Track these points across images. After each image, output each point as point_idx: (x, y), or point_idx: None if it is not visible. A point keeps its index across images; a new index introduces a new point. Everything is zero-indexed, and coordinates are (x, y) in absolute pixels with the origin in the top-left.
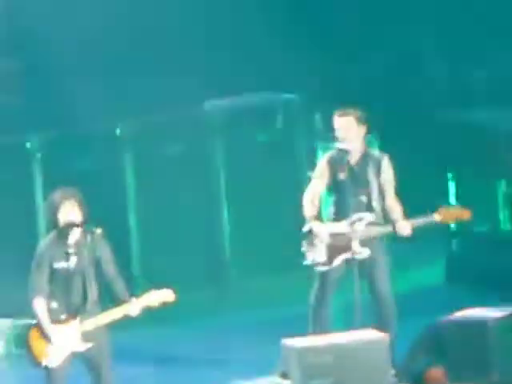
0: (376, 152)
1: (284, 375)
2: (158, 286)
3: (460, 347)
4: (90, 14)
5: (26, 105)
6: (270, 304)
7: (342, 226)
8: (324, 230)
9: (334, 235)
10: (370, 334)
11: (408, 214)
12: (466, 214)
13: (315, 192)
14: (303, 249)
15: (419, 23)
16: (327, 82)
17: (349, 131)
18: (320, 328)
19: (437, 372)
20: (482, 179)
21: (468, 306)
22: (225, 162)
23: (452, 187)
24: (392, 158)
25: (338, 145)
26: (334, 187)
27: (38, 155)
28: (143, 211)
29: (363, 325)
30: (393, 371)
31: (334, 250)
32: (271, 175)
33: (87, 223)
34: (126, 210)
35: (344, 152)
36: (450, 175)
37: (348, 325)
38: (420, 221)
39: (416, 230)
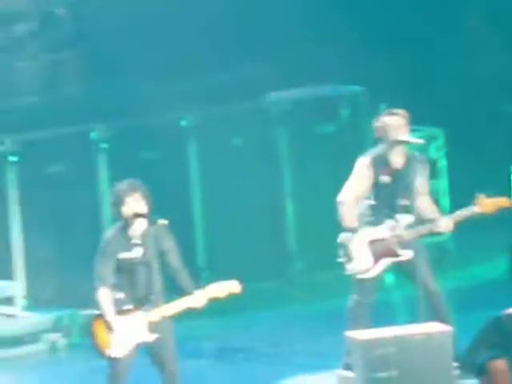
0: (417, 153)
1: (348, 367)
2: (223, 277)
3: None
4: (155, 5)
5: (91, 95)
6: (335, 296)
7: (381, 231)
8: (364, 239)
9: (374, 242)
10: (434, 327)
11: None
12: (505, 202)
13: (355, 197)
14: (342, 259)
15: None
16: (393, 75)
17: (403, 130)
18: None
19: (500, 364)
20: None
21: None
22: (289, 153)
23: None
24: (457, 152)
25: (410, 139)
26: (376, 190)
27: (104, 145)
28: (208, 202)
29: (425, 319)
30: (456, 364)
31: (375, 257)
32: (337, 167)
33: (152, 215)
34: (191, 201)
35: (386, 153)
36: None
37: (411, 318)
38: (461, 215)
39: (479, 224)
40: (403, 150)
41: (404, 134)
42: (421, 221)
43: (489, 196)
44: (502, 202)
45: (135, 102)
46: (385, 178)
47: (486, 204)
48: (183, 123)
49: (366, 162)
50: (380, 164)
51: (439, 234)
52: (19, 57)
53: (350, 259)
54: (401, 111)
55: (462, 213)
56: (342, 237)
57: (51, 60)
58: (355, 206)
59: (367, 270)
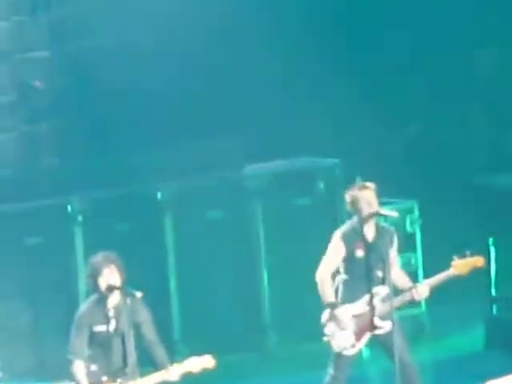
0: (385, 225)
1: None
2: (198, 350)
3: None
4: (127, 79)
5: (68, 167)
6: (310, 369)
7: (361, 306)
8: (346, 315)
9: (355, 317)
10: None
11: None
12: (479, 262)
13: (331, 272)
14: (326, 338)
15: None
16: (368, 148)
17: (374, 203)
18: None
19: None
20: None
21: (509, 372)
22: (265, 226)
23: (493, 252)
24: (431, 225)
25: (384, 211)
26: (349, 264)
27: (80, 217)
28: (184, 275)
29: None
30: None
31: (357, 333)
32: (312, 240)
33: (127, 287)
34: (167, 273)
35: (359, 227)
36: (491, 241)
37: None
38: (436, 279)
39: (455, 295)
40: (374, 223)
41: (375, 207)
42: (396, 292)
43: (463, 256)
44: (476, 261)
45: (111, 174)
46: (359, 252)
47: (460, 265)
48: (159, 195)
49: (339, 235)
50: (353, 237)
51: (415, 301)
52: None
53: (333, 336)
54: (370, 184)
55: (438, 276)
56: (324, 315)
57: (27, 132)
58: (331, 280)
59: (353, 346)
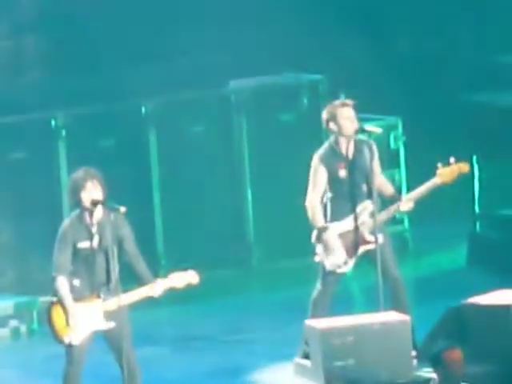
0: (364, 138)
1: (306, 356)
2: (182, 265)
3: (481, 331)
4: None
5: (52, 81)
6: (293, 286)
7: (348, 223)
8: (333, 235)
9: (344, 234)
10: (392, 316)
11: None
12: (464, 168)
13: (320, 196)
14: (318, 258)
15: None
16: (352, 64)
17: (355, 120)
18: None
19: (455, 353)
20: (509, 162)
21: (490, 289)
22: (249, 141)
23: (476, 170)
24: (415, 141)
25: (365, 127)
26: (333, 183)
27: (63, 132)
28: (168, 190)
29: (384, 307)
30: (413, 353)
31: (349, 249)
32: (296, 156)
33: (110, 202)
34: (151, 188)
35: (337, 147)
36: (475, 158)
37: (369, 308)
38: (422, 189)
39: (438, 213)
40: (353, 140)
41: (356, 124)
42: (383, 204)
43: (448, 164)
44: (461, 168)
45: (95, 89)
46: (341, 172)
47: (445, 173)
48: (143, 110)
49: (318, 159)
50: (333, 158)
51: (402, 213)
52: None
53: (326, 255)
54: (350, 101)
55: (424, 186)
56: (314, 235)
57: (11, 45)
58: (320, 204)
59: (345, 263)
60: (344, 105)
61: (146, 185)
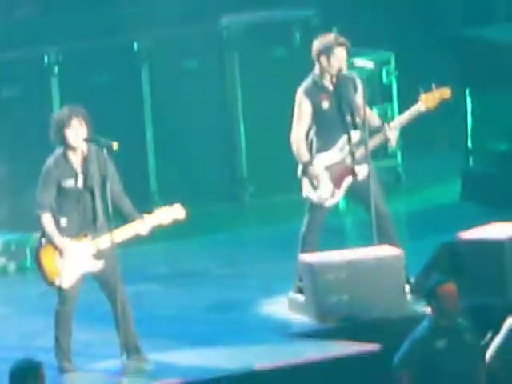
0: (347, 73)
1: (300, 290)
2: (175, 201)
3: (475, 265)
4: None
5: (44, 17)
6: (287, 221)
7: (334, 155)
8: (319, 167)
9: (330, 167)
10: (385, 250)
11: None
12: (445, 93)
13: (305, 130)
14: (304, 193)
15: None
16: None
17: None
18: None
19: (449, 287)
20: (502, 97)
21: (484, 223)
22: (241, 76)
23: (469, 104)
24: (407, 76)
25: (357, 61)
26: (317, 117)
27: (56, 69)
28: (160, 126)
29: (376, 242)
30: (407, 288)
31: (335, 181)
32: (288, 91)
33: (100, 138)
34: (143, 124)
35: (319, 79)
36: (467, 92)
37: (361, 242)
38: (405, 115)
39: (431, 148)
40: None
41: (345, 66)
42: (369, 133)
43: (429, 90)
44: (442, 93)
45: (87, 25)
46: (324, 103)
47: (427, 99)
48: (136, 46)
49: (302, 92)
50: (316, 91)
51: (388, 141)
52: None
53: (313, 189)
54: (345, 41)
55: (407, 113)
56: (300, 170)
57: None
58: (304, 138)
59: (332, 196)
60: (340, 44)
61: (138, 121)
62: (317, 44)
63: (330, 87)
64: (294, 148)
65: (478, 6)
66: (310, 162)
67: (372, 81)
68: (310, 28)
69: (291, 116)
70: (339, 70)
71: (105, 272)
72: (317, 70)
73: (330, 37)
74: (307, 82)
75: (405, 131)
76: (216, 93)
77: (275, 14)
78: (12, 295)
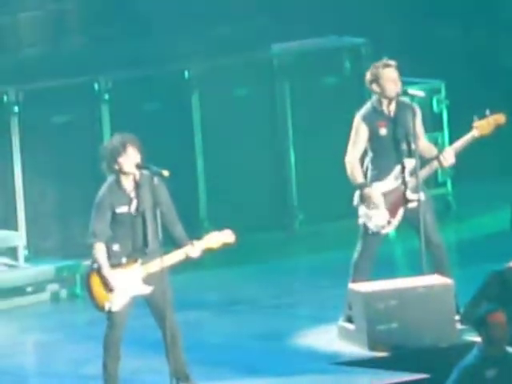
0: (406, 99)
1: (349, 319)
2: (224, 228)
3: None
4: None
5: (95, 45)
6: (337, 249)
7: (390, 182)
8: (377, 194)
9: (386, 194)
10: (435, 279)
11: None
12: (500, 119)
13: (359, 154)
14: (361, 220)
15: None
16: (396, 27)
17: (398, 82)
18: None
19: (498, 315)
20: None
21: None
22: (291, 105)
23: None
24: (458, 105)
25: (409, 90)
26: (374, 144)
27: (106, 96)
28: (210, 154)
29: (427, 272)
30: (457, 317)
31: (391, 209)
32: (338, 119)
33: (152, 166)
34: (194, 152)
35: (379, 106)
36: None
37: (412, 271)
38: (460, 143)
39: (481, 176)
40: (394, 100)
41: (399, 86)
42: (423, 163)
43: (484, 116)
44: (497, 119)
45: (139, 53)
46: (382, 130)
47: (482, 125)
48: (186, 74)
49: (360, 117)
50: (374, 117)
51: (443, 168)
52: (23, 7)
53: (369, 217)
54: (393, 62)
55: (462, 140)
56: (356, 197)
57: (55, 9)
58: (360, 164)
59: (389, 223)
60: (386, 65)
61: (189, 149)
62: (367, 74)
63: (389, 113)
64: (349, 170)
65: None
66: (366, 184)
67: (423, 109)
68: (360, 56)
69: (341, 144)
70: (396, 93)
71: (154, 297)
72: (375, 97)
73: (378, 63)
74: (366, 108)
75: (455, 159)
76: (266, 121)
77: (325, 42)
78: (62, 322)
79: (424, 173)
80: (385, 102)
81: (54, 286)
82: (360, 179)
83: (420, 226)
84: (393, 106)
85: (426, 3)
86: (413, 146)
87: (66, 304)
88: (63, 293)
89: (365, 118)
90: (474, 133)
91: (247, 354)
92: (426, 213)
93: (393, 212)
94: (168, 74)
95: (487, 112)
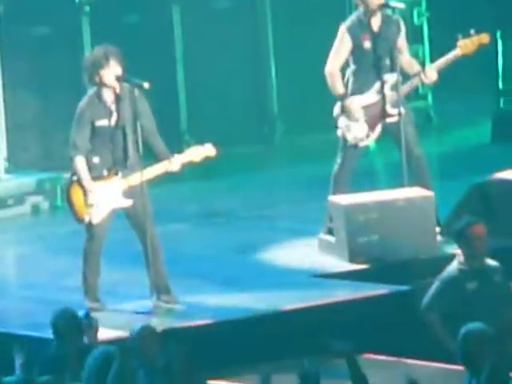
0: (390, 13)
1: (330, 232)
2: (205, 140)
3: (506, 206)
4: None
5: None
6: (317, 161)
7: (371, 96)
8: (357, 106)
9: (366, 107)
10: (416, 192)
11: None
12: (485, 38)
13: (340, 65)
14: (340, 131)
15: None
16: None
17: None
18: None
19: (479, 228)
20: None
21: None
22: (273, 15)
23: (500, 45)
24: (438, 17)
25: (389, 2)
26: (357, 57)
27: (87, 8)
28: (191, 66)
29: (408, 184)
30: (437, 229)
31: (370, 123)
32: (320, 28)
33: (133, 78)
34: (174, 65)
35: (364, 18)
36: (498, 33)
37: (393, 183)
38: (443, 61)
39: (461, 89)
40: (380, 13)
41: None
42: (405, 78)
43: (468, 36)
44: (481, 38)
45: None
46: (366, 43)
47: (466, 44)
48: None
49: (345, 28)
50: (360, 29)
51: (424, 85)
52: None
53: (347, 129)
54: None
55: (445, 58)
56: (336, 108)
57: None
58: (340, 75)
59: (367, 137)
60: None
61: (169, 61)
62: None
63: (373, 27)
64: (329, 80)
65: None
66: (346, 95)
67: (403, 22)
68: None
69: (323, 55)
70: (377, 5)
71: (135, 210)
72: (360, 8)
73: None
74: (351, 20)
75: (437, 76)
76: (247, 33)
77: None
78: (43, 233)
79: (405, 88)
80: (370, 14)
81: (35, 198)
82: (341, 90)
83: (401, 138)
84: (378, 20)
85: None
86: (395, 62)
87: (47, 216)
88: (44, 205)
89: (349, 29)
90: (458, 52)
91: (227, 266)
92: (406, 125)
93: (372, 126)
94: None
95: (472, 31)
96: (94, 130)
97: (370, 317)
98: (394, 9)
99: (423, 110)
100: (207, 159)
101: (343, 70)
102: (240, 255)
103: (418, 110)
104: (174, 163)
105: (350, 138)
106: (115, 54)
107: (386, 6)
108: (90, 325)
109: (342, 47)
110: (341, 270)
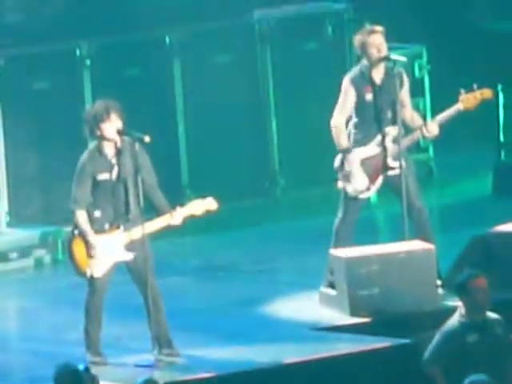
0: (394, 66)
1: (331, 285)
2: (206, 195)
3: (507, 259)
4: None
5: (77, 11)
6: (318, 215)
7: (371, 148)
8: (356, 158)
9: (366, 160)
10: (417, 245)
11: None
12: (487, 94)
13: (345, 118)
14: (341, 183)
15: None
16: None
17: (383, 48)
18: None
19: (480, 281)
20: None
21: None
22: (273, 70)
23: (501, 98)
24: (439, 70)
25: (392, 56)
26: (359, 109)
27: (88, 62)
28: (192, 120)
29: (409, 237)
30: (438, 282)
31: (371, 174)
32: (320, 84)
33: (133, 132)
34: (175, 118)
35: (367, 71)
36: (499, 86)
37: (394, 237)
38: (445, 115)
39: (463, 141)
40: (383, 66)
41: (384, 51)
42: (407, 131)
43: (470, 91)
44: (483, 93)
45: (120, 19)
46: (368, 95)
47: (468, 99)
48: (168, 40)
49: (348, 80)
50: (362, 81)
51: (425, 139)
52: None
53: (348, 181)
54: (379, 28)
55: (446, 112)
56: (337, 160)
57: None
58: (345, 128)
59: (368, 189)
60: (372, 32)
61: (170, 115)
62: (355, 41)
63: (376, 80)
64: (334, 134)
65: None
66: (349, 150)
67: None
68: (342, 21)
69: (322, 109)
70: (377, 58)
71: (136, 263)
72: (364, 61)
73: (364, 29)
74: (354, 71)
75: (438, 130)
76: (248, 87)
77: (307, 8)
78: (44, 287)
79: (406, 142)
80: (373, 67)
81: (38, 252)
82: (345, 144)
83: (402, 191)
84: (380, 72)
85: None
86: (397, 115)
87: (49, 269)
88: (47, 258)
89: (353, 81)
90: (459, 106)
91: (228, 320)
92: (408, 178)
93: (373, 178)
94: (149, 39)
95: (474, 86)
96: (96, 184)
97: (371, 370)
98: (395, 61)
99: (424, 163)
100: (209, 213)
101: (347, 121)
102: (241, 308)
103: (419, 162)
104: (176, 217)
105: (351, 190)
106: (116, 107)
107: (387, 58)
108: (91, 379)
109: (346, 100)
110: (342, 323)
